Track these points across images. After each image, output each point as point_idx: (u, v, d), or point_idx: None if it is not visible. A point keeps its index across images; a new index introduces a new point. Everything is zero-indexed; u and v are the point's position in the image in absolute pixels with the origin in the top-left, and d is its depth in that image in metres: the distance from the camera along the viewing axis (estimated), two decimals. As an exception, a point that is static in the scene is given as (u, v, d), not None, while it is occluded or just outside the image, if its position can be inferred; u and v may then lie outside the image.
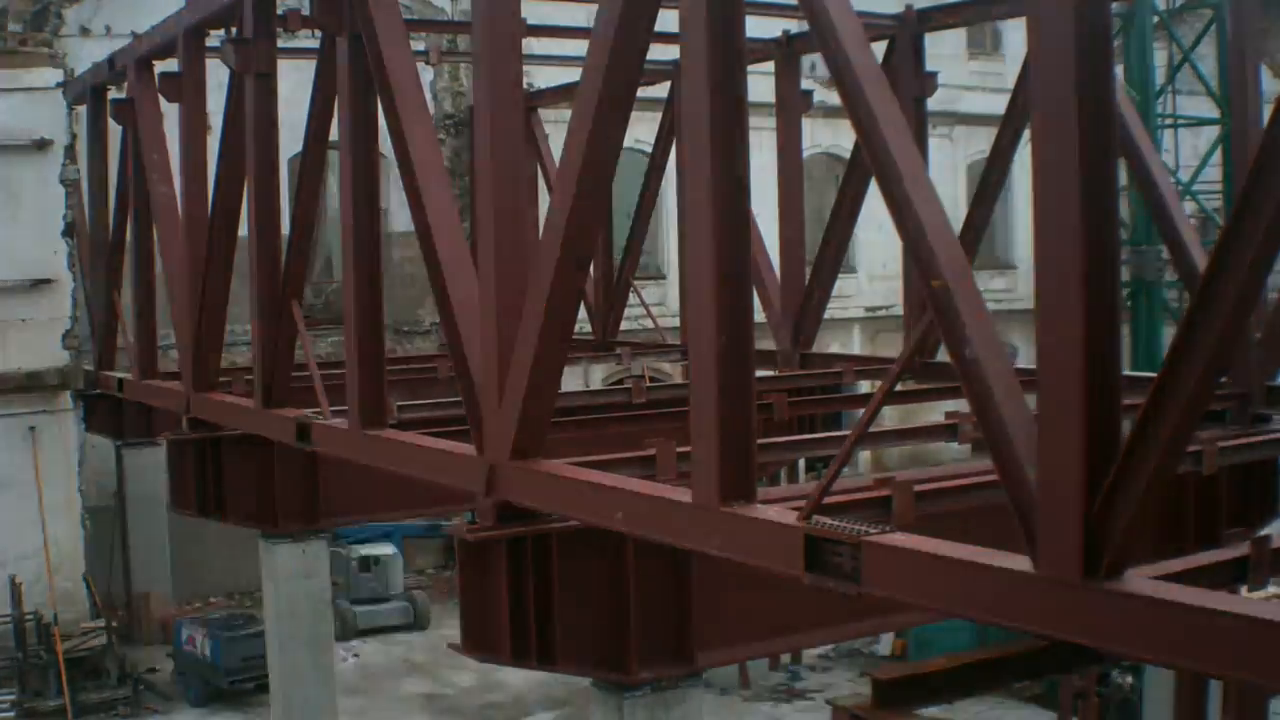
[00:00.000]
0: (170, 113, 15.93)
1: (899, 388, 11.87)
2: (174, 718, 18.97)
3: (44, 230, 20.50)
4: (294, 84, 13.20)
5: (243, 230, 13.50)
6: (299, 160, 12.69)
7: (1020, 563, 5.84)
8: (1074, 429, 5.44)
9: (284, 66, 13.21)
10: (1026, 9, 5.64)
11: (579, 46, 12.13)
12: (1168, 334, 19.24)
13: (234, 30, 13.17)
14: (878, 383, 15.30)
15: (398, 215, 21.93)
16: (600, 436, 11.71)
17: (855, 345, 30.00)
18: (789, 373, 16.22)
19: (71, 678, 18.82)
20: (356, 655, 21.84)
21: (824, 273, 18.03)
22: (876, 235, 26.61)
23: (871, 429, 8.76)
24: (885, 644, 22.23)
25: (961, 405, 9.96)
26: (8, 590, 19.74)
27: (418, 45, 21.61)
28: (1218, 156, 22.58)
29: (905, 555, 6.33)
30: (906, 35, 16.85)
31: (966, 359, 6.23)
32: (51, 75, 20.61)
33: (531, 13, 10.97)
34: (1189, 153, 24.61)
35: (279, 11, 13.51)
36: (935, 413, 13.65)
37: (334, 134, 11.69)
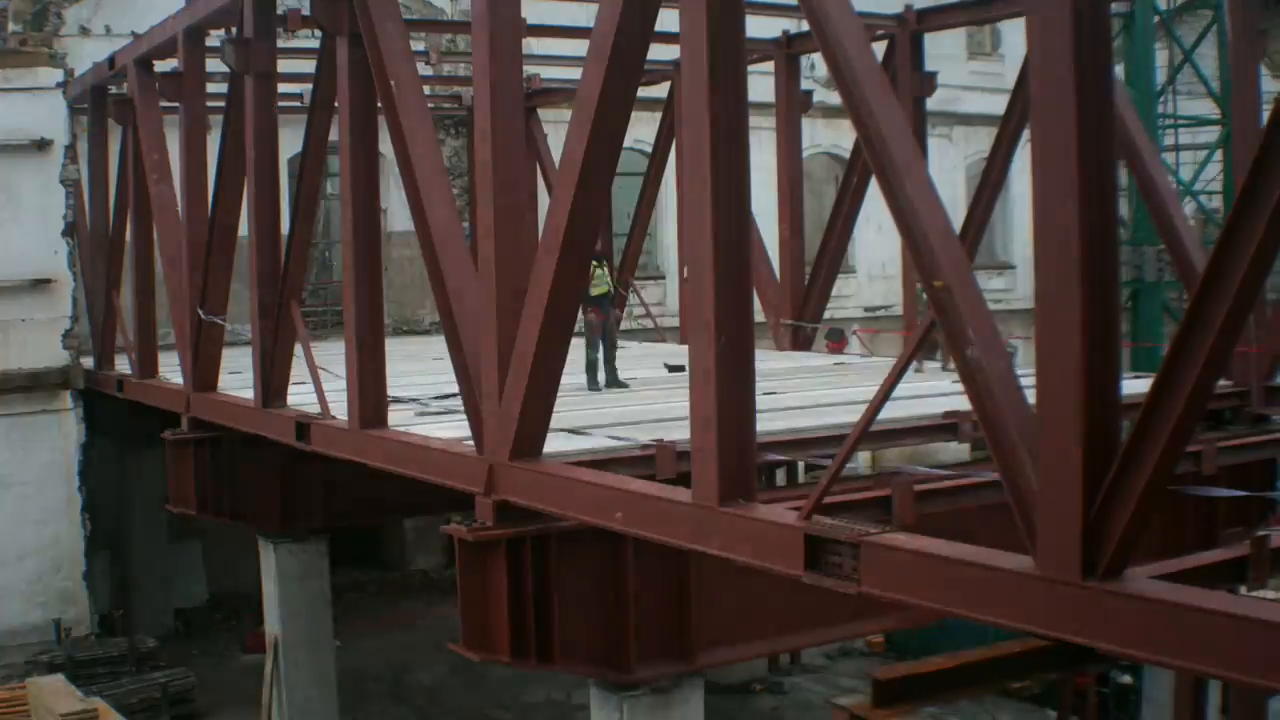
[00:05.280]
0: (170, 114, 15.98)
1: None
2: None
3: (44, 230, 20.44)
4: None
5: (242, 230, 13.52)
6: (299, 160, 12.71)
7: (1020, 563, 5.84)
8: (1073, 429, 5.44)
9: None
10: (1026, 9, 5.64)
11: (579, 46, 12.12)
12: (1168, 334, 19.25)
13: (234, 30, 13.18)
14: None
15: (398, 215, 21.90)
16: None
17: (854, 344, 29.98)
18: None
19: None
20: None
21: (824, 273, 18.06)
22: (876, 235, 26.58)
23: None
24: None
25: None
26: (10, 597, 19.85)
27: (418, 45, 21.59)
28: (1218, 156, 22.59)
29: (905, 555, 6.34)
30: (906, 35, 16.88)
31: (967, 359, 6.23)
32: (51, 75, 20.57)
33: (531, 13, 10.97)
34: (1189, 153, 24.60)
35: (279, 11, 13.52)
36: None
37: (334, 134, 11.71)
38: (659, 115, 20.21)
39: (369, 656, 20.65)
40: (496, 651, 9.16)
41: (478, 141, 9.32)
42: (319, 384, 12.23)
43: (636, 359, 17.44)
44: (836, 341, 21.04)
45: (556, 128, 20.00)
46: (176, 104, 15.40)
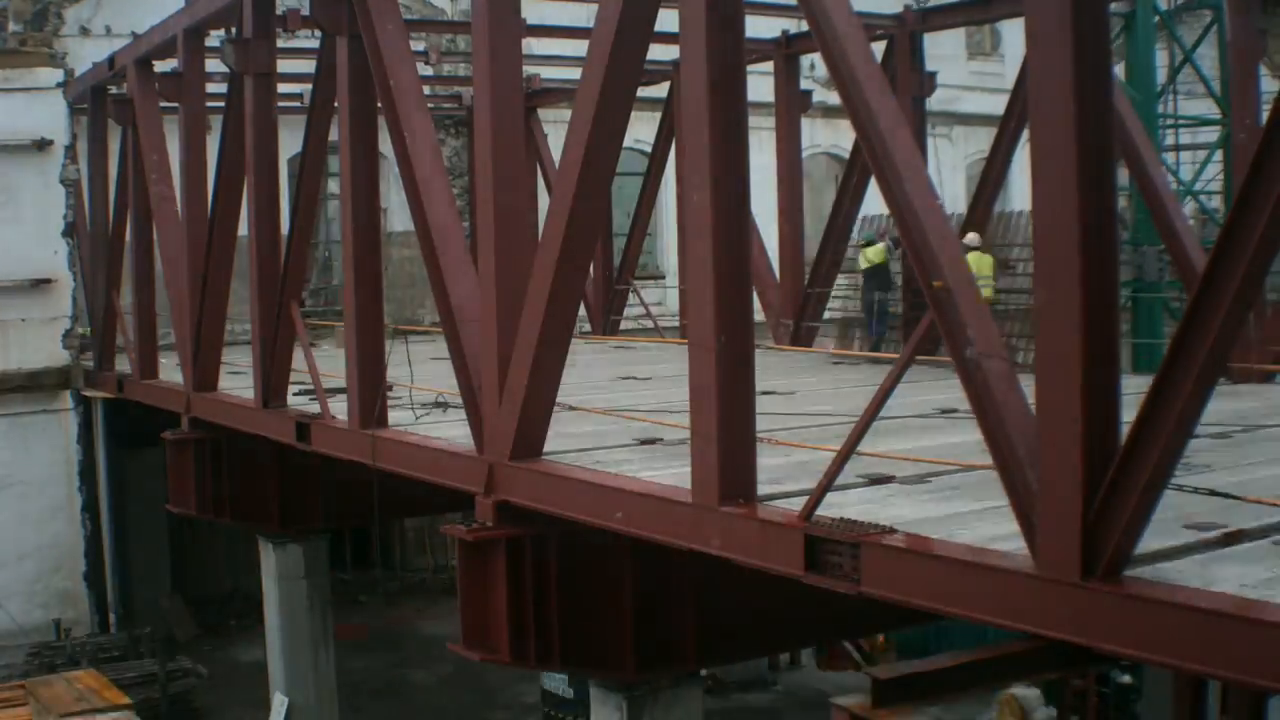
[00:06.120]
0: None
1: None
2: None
3: (44, 230, 20.49)
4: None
5: (242, 230, 13.52)
6: (299, 160, 12.71)
7: (1020, 563, 5.84)
8: (1074, 429, 5.44)
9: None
10: (1025, 10, 5.64)
11: (579, 46, 12.12)
12: (1167, 334, 19.23)
13: (234, 30, 13.18)
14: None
15: (398, 215, 21.92)
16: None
17: (854, 344, 29.99)
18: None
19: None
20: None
21: (824, 273, 18.06)
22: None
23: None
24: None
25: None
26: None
27: (418, 45, 21.58)
28: (1218, 156, 22.56)
29: (905, 555, 6.33)
30: (906, 35, 16.89)
31: (967, 359, 6.22)
32: (51, 75, 20.62)
33: (531, 13, 10.98)
34: (1189, 153, 24.57)
35: (279, 11, 13.51)
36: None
37: (334, 134, 11.71)
38: (659, 115, 20.21)
39: (369, 656, 20.67)
40: (496, 651, 9.15)
41: (478, 141, 9.32)
42: (319, 384, 12.24)
43: (643, 361, 17.44)
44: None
45: (556, 128, 19.99)
46: (176, 104, 15.40)
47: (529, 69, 19.92)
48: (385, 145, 10.85)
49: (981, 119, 26.84)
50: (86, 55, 20.22)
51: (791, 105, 18.30)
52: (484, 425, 9.38)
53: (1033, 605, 5.70)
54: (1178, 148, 23.21)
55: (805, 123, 18.95)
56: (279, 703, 15.56)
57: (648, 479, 8.28)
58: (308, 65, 13.58)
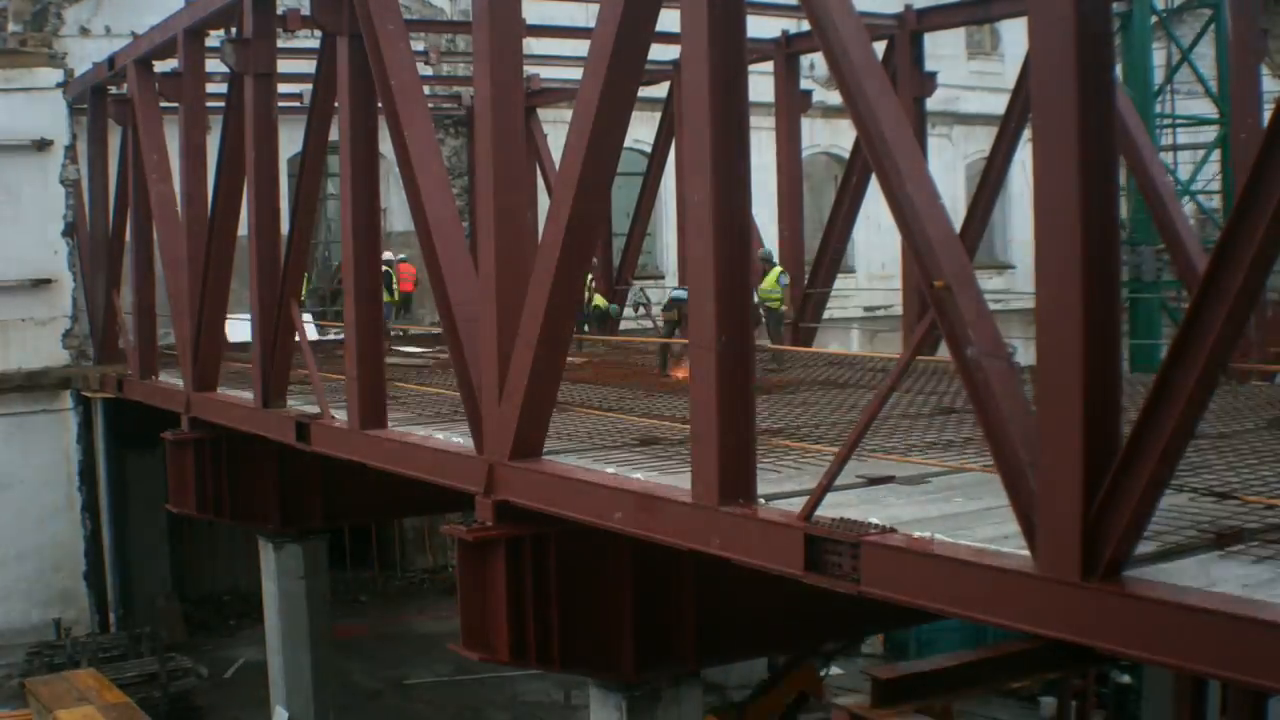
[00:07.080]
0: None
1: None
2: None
3: (44, 230, 20.50)
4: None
5: (242, 230, 13.52)
6: (299, 160, 12.72)
7: (1020, 563, 5.84)
8: (1074, 429, 5.44)
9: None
10: (1027, 10, 5.64)
11: (579, 46, 12.14)
12: (1167, 334, 19.24)
13: (234, 30, 13.18)
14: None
15: (398, 215, 21.92)
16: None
17: (854, 345, 29.96)
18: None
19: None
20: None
21: (824, 273, 18.08)
22: (875, 235, 26.57)
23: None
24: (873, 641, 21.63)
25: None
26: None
27: (418, 45, 21.58)
28: (1216, 156, 22.58)
29: (905, 555, 6.33)
30: (906, 35, 16.89)
31: (967, 359, 6.22)
32: (51, 75, 20.63)
33: (531, 13, 10.98)
34: (1187, 152, 24.57)
35: (279, 11, 13.52)
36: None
37: (334, 134, 11.71)
38: (659, 115, 20.21)
39: (369, 656, 20.67)
40: (496, 651, 9.15)
41: (478, 141, 9.32)
42: (318, 384, 12.24)
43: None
44: None
45: (556, 128, 19.99)
46: (176, 104, 15.40)
47: (529, 69, 19.91)
48: (385, 145, 10.85)
49: (981, 119, 26.84)
50: (86, 55, 20.22)
51: (791, 105, 18.32)
52: (484, 425, 9.38)
53: (1033, 605, 5.70)
54: (1175, 147, 23.20)
55: (805, 122, 18.97)
56: (279, 717, 15.57)
57: (648, 479, 8.28)
58: (308, 65, 13.58)
